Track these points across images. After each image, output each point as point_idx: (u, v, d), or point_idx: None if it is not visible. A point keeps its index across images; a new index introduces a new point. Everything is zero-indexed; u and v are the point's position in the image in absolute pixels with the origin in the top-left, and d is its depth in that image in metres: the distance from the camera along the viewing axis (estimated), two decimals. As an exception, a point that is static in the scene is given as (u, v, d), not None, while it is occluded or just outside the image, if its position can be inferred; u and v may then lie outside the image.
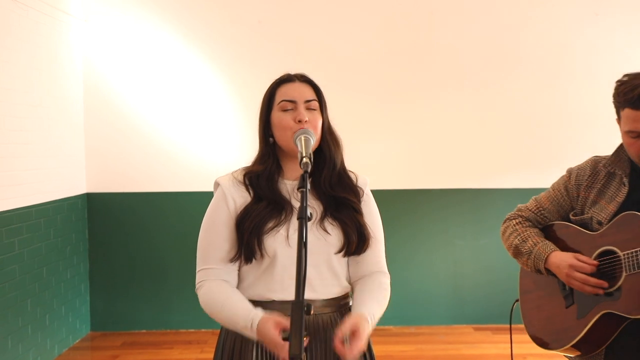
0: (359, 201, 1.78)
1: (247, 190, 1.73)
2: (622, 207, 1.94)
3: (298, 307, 1.15)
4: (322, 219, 1.70)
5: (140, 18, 4.97)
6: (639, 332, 1.87)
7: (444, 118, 5.07)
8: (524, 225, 2.21)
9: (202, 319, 1.73)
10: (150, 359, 4.46)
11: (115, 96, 5.00)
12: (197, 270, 1.74)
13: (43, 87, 4.38)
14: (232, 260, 1.71)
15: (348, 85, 4.99)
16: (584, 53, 5.05)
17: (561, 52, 5.05)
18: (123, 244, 5.04)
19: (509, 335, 4.74)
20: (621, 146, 2.02)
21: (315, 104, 1.75)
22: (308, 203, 1.35)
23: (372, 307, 1.66)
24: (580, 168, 2.20)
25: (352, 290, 1.82)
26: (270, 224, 1.67)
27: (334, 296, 1.73)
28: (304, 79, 1.79)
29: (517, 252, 2.16)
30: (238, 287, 1.75)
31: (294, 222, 1.67)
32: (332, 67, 4.97)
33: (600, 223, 1.98)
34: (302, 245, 1.23)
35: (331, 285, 1.72)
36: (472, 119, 5.07)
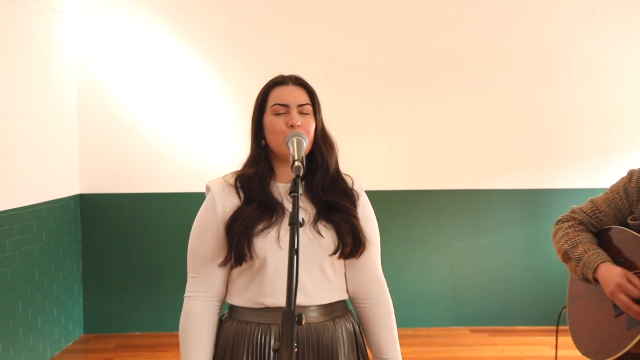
0: (355, 205, 1.73)
1: (238, 194, 1.69)
2: None
3: (289, 318, 1.10)
4: (315, 221, 1.66)
5: (134, 17, 4.92)
6: None
7: (441, 118, 5.04)
8: (577, 229, 2.08)
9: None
10: (144, 362, 4.43)
11: (109, 96, 4.95)
12: (187, 276, 1.73)
13: (36, 87, 4.33)
14: (221, 265, 1.68)
15: (344, 85, 4.95)
16: (582, 53, 5.02)
17: (559, 52, 5.02)
18: (117, 245, 4.99)
19: (506, 338, 4.72)
20: None
21: (309, 108, 1.71)
22: (301, 206, 1.30)
23: (397, 355, 1.77)
24: None
25: (351, 300, 1.77)
26: (260, 226, 1.63)
27: (327, 302, 1.69)
28: (297, 82, 1.74)
29: (566, 258, 2.07)
30: (229, 292, 1.72)
31: (286, 224, 1.63)
32: (327, 66, 4.93)
33: None
34: (293, 252, 1.18)
35: (325, 290, 1.68)
36: (469, 119, 5.04)
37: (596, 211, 2.09)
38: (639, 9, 4.98)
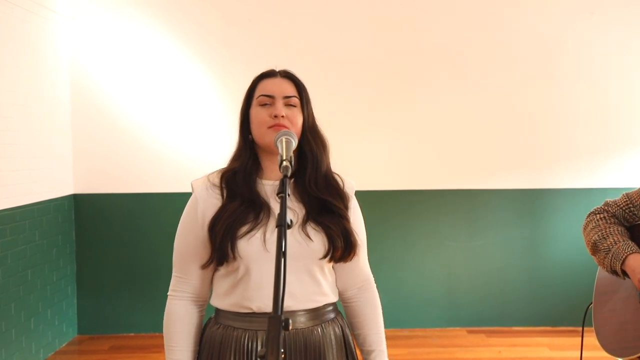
0: (346, 207, 1.69)
1: (222, 194, 1.65)
2: None
3: (276, 323, 1.07)
4: (304, 223, 1.61)
5: (129, 16, 4.89)
6: None
7: (437, 118, 5.01)
8: (609, 221, 2.04)
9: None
10: (138, 364, 4.39)
11: (104, 95, 4.91)
12: (172, 273, 1.73)
13: (29, 87, 4.29)
14: (204, 267, 1.65)
15: (340, 84, 4.92)
16: (579, 52, 4.99)
17: (556, 51, 4.99)
18: (111, 245, 4.96)
19: (502, 339, 4.69)
20: None
21: (295, 101, 1.67)
22: (289, 206, 1.26)
23: (384, 354, 1.73)
24: None
25: (341, 300, 1.75)
26: (245, 227, 1.58)
27: (316, 306, 1.64)
28: (285, 75, 1.72)
29: (594, 249, 2.02)
30: (213, 294, 1.69)
31: (272, 225, 1.59)
32: (323, 65, 4.90)
33: None
34: (280, 255, 1.15)
35: (313, 294, 1.63)
36: (466, 118, 5.01)
37: (630, 205, 2.05)
38: (636, 7, 4.96)
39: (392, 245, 4.97)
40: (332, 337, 1.66)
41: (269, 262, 1.53)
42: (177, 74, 4.93)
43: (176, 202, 4.92)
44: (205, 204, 1.65)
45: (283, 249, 1.16)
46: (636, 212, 2.03)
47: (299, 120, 1.65)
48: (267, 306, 1.57)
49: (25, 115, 4.24)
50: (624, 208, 2.05)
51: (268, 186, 1.66)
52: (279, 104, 1.64)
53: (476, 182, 5.06)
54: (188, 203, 1.70)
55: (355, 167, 4.85)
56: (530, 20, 4.99)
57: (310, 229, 1.61)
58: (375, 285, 1.79)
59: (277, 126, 1.61)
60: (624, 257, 1.90)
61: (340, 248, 1.62)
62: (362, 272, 1.75)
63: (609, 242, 1.96)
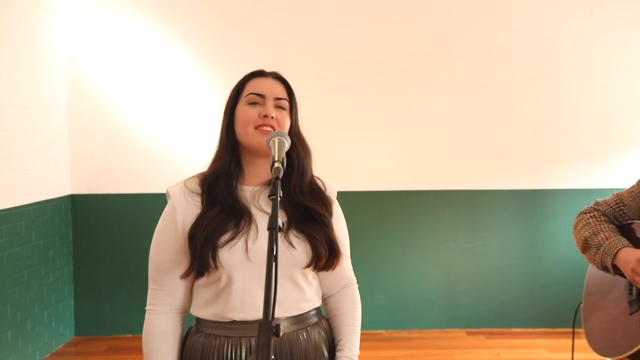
0: (330, 214, 1.65)
1: (202, 200, 1.59)
2: None
3: (266, 329, 1.04)
4: (287, 230, 1.56)
5: (126, 16, 4.86)
6: None
7: (436, 118, 4.98)
8: (599, 219, 2.04)
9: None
10: (135, 365, 4.36)
11: (101, 95, 4.89)
12: (148, 287, 1.65)
13: (25, 87, 4.26)
14: (183, 277, 1.59)
15: (339, 84, 4.90)
16: (578, 52, 4.97)
17: (556, 51, 4.97)
18: (108, 246, 4.93)
19: (502, 340, 4.67)
20: None
21: (285, 103, 1.63)
22: (269, 210, 1.22)
23: (353, 344, 1.65)
24: None
25: (323, 303, 1.72)
26: (226, 236, 1.52)
27: (300, 312, 1.61)
28: (276, 76, 1.68)
29: (585, 246, 2.01)
30: (193, 304, 1.64)
31: (253, 233, 1.54)
32: (322, 64, 4.87)
33: None
34: (272, 259, 1.12)
35: (297, 301, 1.59)
36: (465, 118, 4.99)
37: (620, 204, 2.05)
38: (636, 7, 4.94)
39: (390, 245, 4.94)
40: (317, 340, 1.63)
41: (251, 272, 1.51)
42: (175, 74, 4.91)
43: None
44: (184, 212, 1.59)
45: (274, 253, 1.13)
46: (626, 211, 2.03)
47: (287, 123, 1.61)
48: (250, 316, 1.54)
49: (22, 115, 4.21)
50: (614, 207, 2.05)
51: (248, 192, 1.61)
52: (269, 104, 1.60)
53: (476, 183, 5.03)
54: (164, 212, 1.63)
55: (355, 167, 4.83)
56: (530, 20, 4.96)
57: (293, 236, 1.56)
58: (357, 286, 1.76)
59: (264, 126, 1.57)
60: (615, 251, 1.89)
61: (324, 257, 1.58)
62: (344, 276, 1.72)
63: (600, 238, 1.95)
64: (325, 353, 1.64)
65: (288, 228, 1.57)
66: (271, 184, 1.29)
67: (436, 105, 4.98)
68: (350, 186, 4.71)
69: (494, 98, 4.99)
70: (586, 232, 2.01)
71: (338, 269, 1.65)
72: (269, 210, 1.27)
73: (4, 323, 3.92)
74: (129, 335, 4.90)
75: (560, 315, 4.89)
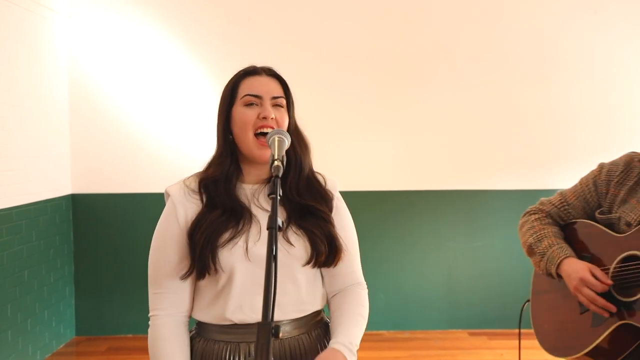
0: (330, 209, 1.61)
1: (201, 199, 1.56)
2: None
3: (265, 330, 1.02)
4: (285, 228, 1.53)
5: (126, 14, 4.85)
6: None
7: (436, 118, 4.97)
8: (543, 222, 2.02)
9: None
10: (136, 365, 4.35)
11: (102, 95, 4.88)
12: (149, 292, 1.60)
13: (26, 86, 4.25)
14: (183, 278, 1.54)
15: (339, 82, 4.88)
16: (580, 51, 4.95)
17: (557, 51, 4.95)
18: (109, 246, 4.92)
19: (505, 341, 4.63)
20: None
21: (283, 101, 1.59)
22: (269, 208, 1.19)
23: (351, 333, 1.52)
24: (612, 163, 2.00)
25: (328, 304, 1.67)
26: (226, 236, 1.49)
27: (301, 315, 1.57)
28: (270, 73, 1.63)
29: (530, 252, 2.02)
30: (194, 307, 1.60)
31: (254, 233, 1.51)
32: (322, 63, 4.85)
33: (628, 224, 1.81)
34: (271, 259, 1.10)
35: (298, 303, 1.55)
36: (465, 118, 4.97)
37: (565, 204, 2.03)
38: (637, 6, 4.92)
39: (391, 246, 4.92)
40: (319, 345, 1.59)
41: (251, 273, 1.48)
42: (176, 73, 4.89)
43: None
44: (185, 210, 1.56)
45: (274, 253, 1.11)
46: (570, 211, 2.01)
47: (286, 121, 1.58)
48: (249, 317, 1.51)
49: (23, 114, 4.20)
50: (558, 207, 2.03)
51: (247, 190, 1.59)
52: (267, 104, 1.56)
53: (476, 183, 5.01)
54: (164, 212, 1.59)
55: (355, 167, 4.81)
56: (531, 20, 4.94)
57: (292, 233, 1.53)
58: (367, 291, 1.68)
59: (263, 127, 1.54)
60: (558, 261, 1.89)
61: (324, 253, 1.54)
62: (351, 275, 1.65)
63: (544, 245, 1.95)
64: None
65: (287, 225, 1.54)
66: (271, 182, 1.27)
67: (436, 105, 4.96)
68: (350, 186, 4.68)
69: (494, 98, 4.97)
70: (530, 238, 2.00)
71: (343, 266, 1.61)
72: (269, 208, 1.24)
73: (4, 323, 3.91)
74: (130, 335, 4.89)
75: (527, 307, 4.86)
